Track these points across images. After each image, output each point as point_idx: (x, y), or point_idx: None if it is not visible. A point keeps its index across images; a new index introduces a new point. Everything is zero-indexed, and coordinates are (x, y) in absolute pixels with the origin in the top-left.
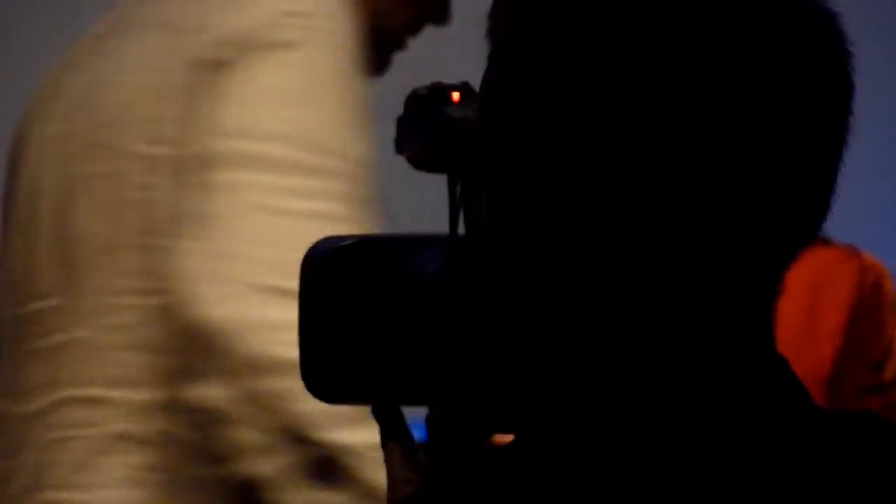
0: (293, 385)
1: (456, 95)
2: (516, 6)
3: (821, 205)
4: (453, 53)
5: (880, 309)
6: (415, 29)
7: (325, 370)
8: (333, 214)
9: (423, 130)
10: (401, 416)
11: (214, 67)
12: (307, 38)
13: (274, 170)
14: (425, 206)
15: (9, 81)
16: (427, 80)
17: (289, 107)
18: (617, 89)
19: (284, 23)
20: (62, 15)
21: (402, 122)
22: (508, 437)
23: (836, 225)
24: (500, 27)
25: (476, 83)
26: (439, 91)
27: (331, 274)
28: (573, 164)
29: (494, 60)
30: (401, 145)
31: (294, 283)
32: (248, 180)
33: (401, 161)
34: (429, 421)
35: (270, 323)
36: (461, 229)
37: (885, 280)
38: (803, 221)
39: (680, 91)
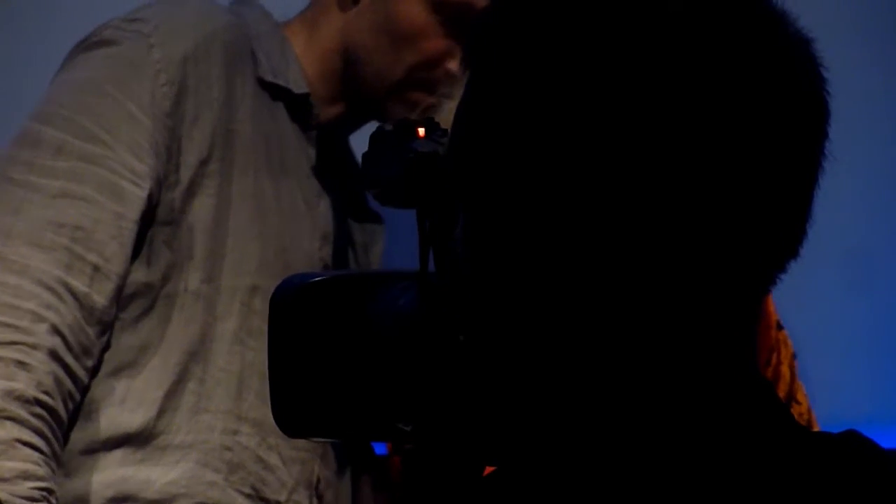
0: None
1: (422, 131)
2: (494, 36)
3: (797, 227)
4: None
5: (768, 331)
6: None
7: (297, 406)
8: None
9: (391, 166)
10: (372, 452)
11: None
12: (122, 38)
13: (27, 145)
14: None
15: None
16: None
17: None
18: (595, 117)
19: (113, 25)
20: (59, 15)
21: (368, 159)
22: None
23: (836, 239)
24: (480, 52)
25: None
26: (405, 126)
27: (300, 311)
28: (549, 189)
29: (473, 84)
30: (368, 181)
31: None
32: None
33: None
34: (405, 455)
35: None
36: (431, 263)
37: (767, 302)
38: (781, 244)
39: (654, 122)
